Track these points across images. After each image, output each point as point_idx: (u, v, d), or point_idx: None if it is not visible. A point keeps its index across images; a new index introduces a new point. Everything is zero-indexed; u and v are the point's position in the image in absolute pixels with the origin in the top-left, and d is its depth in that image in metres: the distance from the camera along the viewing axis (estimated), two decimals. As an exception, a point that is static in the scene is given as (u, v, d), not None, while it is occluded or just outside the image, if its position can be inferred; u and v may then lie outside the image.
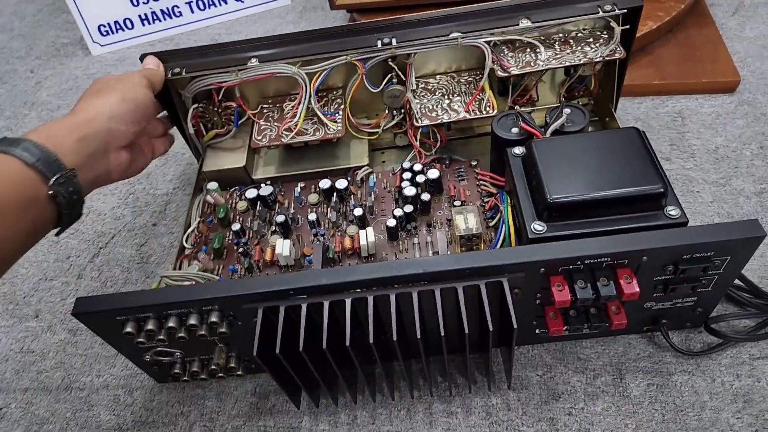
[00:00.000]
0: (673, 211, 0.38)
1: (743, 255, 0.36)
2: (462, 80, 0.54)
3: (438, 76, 0.55)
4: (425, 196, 0.48)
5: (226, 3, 0.89)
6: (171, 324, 0.37)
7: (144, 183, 0.64)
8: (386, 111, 0.56)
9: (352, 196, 0.52)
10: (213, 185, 0.53)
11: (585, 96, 0.56)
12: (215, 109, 0.55)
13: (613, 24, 0.49)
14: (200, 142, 0.56)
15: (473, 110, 0.51)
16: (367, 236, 0.46)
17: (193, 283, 0.43)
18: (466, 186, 0.51)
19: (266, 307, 0.36)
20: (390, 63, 0.52)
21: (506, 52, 0.51)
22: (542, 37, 0.51)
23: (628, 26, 0.49)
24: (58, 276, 0.56)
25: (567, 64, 0.49)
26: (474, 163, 0.53)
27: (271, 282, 0.36)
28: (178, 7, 0.88)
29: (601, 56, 0.49)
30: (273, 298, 0.36)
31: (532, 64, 0.50)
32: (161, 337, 0.38)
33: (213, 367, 0.42)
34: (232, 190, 0.54)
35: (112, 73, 0.84)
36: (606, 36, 0.51)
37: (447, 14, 0.50)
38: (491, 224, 0.48)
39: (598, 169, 0.39)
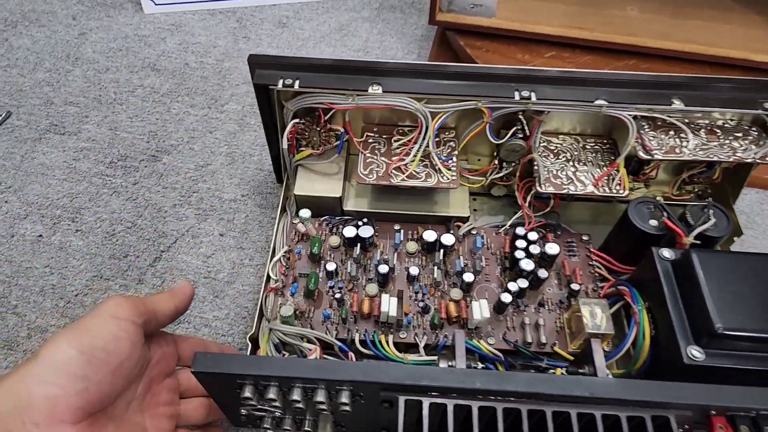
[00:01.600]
0: None
1: None
2: (588, 146, 0.51)
3: (561, 137, 0.52)
4: (542, 273, 0.45)
5: (300, -16, 0.82)
6: (295, 396, 0.33)
7: (209, 182, 0.59)
8: (494, 160, 0.52)
9: (454, 252, 0.48)
10: (306, 213, 0.48)
11: (704, 183, 0.53)
12: (318, 128, 0.50)
13: None
14: (291, 158, 0.51)
15: (602, 187, 0.48)
16: (482, 310, 0.43)
17: (316, 351, 0.39)
18: (578, 264, 0.48)
19: (408, 399, 0.32)
20: (519, 116, 0.48)
21: (647, 129, 0.48)
22: (686, 120, 0.48)
23: None
24: (115, 276, 0.51)
25: (715, 159, 0.46)
26: (585, 238, 0.50)
27: (418, 374, 0.32)
28: (249, -21, 0.81)
29: (753, 158, 0.46)
30: (416, 391, 0.32)
31: (677, 150, 0.46)
32: (278, 404, 0.34)
33: (308, 429, 0.38)
34: (322, 219, 0.50)
35: (166, 40, 0.76)
36: (756, 133, 0.48)
37: (592, 77, 0.46)
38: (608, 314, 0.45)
39: (764, 301, 0.37)
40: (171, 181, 0.59)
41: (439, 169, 0.48)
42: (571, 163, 0.50)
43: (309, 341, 0.42)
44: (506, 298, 0.43)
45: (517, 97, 0.46)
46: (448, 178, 0.48)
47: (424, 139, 0.48)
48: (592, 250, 0.49)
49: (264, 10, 0.83)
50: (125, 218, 0.55)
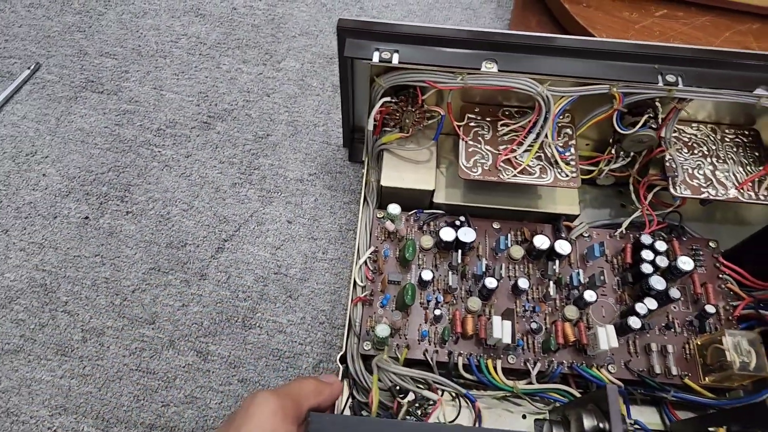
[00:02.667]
0: None
1: None
2: (727, 138, 0.43)
3: (695, 125, 0.44)
4: (674, 293, 0.39)
5: None
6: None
7: (270, 156, 0.52)
8: (610, 148, 0.45)
9: (565, 259, 0.42)
10: (395, 209, 0.41)
11: None
12: (413, 109, 0.42)
13: None
14: (374, 141, 0.44)
15: (748, 191, 0.41)
16: (609, 338, 0.37)
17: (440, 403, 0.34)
18: (705, 276, 0.42)
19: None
20: (657, 102, 0.40)
21: None
22: None
23: None
24: (174, 269, 0.45)
25: None
26: (713, 245, 0.43)
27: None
28: None
29: None
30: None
31: None
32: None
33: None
34: (410, 214, 0.43)
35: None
36: None
37: (747, 59, 0.38)
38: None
39: None
40: (228, 155, 0.52)
41: (557, 162, 0.41)
42: (708, 159, 0.42)
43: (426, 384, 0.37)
44: (635, 323, 0.38)
45: (660, 82, 0.38)
46: (568, 175, 0.41)
47: (543, 128, 0.40)
48: (720, 260, 0.42)
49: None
50: (180, 198, 0.49)
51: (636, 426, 0.37)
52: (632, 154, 0.44)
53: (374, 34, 0.39)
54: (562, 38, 0.39)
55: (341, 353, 0.37)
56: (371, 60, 0.38)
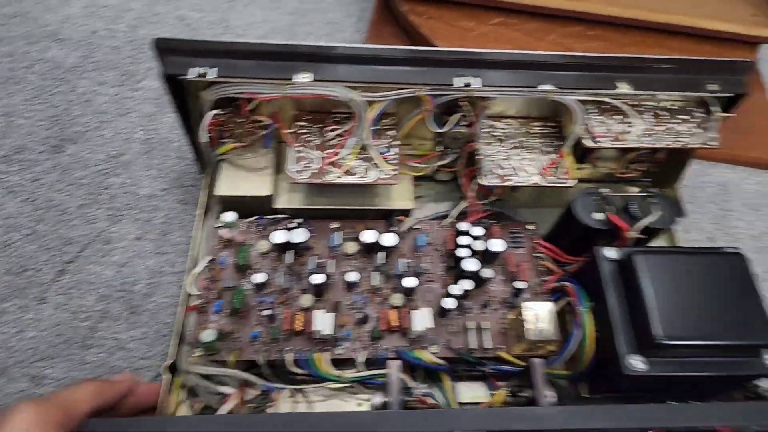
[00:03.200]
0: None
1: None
2: (535, 131, 0.47)
3: (507, 121, 0.48)
4: (487, 273, 0.42)
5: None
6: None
7: (122, 175, 0.53)
8: (437, 146, 0.48)
9: (396, 251, 0.45)
10: (231, 216, 0.43)
11: (650, 162, 0.51)
12: (241, 120, 0.44)
13: (714, 108, 0.44)
14: (212, 153, 0.46)
15: (548, 176, 0.45)
16: (424, 319, 0.40)
17: (234, 396, 0.35)
18: (523, 256, 0.46)
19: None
20: (462, 103, 0.44)
21: (593, 114, 0.45)
22: (632, 102, 0.45)
23: (730, 114, 0.45)
24: (10, 297, 0.45)
25: (660, 146, 0.44)
26: (530, 228, 0.47)
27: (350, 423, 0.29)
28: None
29: (696, 143, 0.44)
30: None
31: (621, 137, 0.44)
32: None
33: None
34: (251, 221, 0.45)
35: (70, 2, 0.67)
36: (700, 116, 0.46)
37: (537, 60, 0.43)
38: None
39: (706, 304, 0.36)
40: (77, 177, 0.52)
41: (380, 163, 0.44)
42: (517, 150, 0.46)
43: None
44: (448, 303, 0.41)
45: (458, 84, 0.42)
46: (388, 174, 0.44)
47: (360, 131, 0.43)
48: (536, 240, 0.46)
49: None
50: (23, 224, 0.48)
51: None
52: (457, 150, 0.48)
53: (194, 51, 0.41)
54: (373, 47, 0.42)
55: (169, 362, 0.38)
56: (187, 76, 0.40)
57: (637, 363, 0.35)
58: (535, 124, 0.48)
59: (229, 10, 0.68)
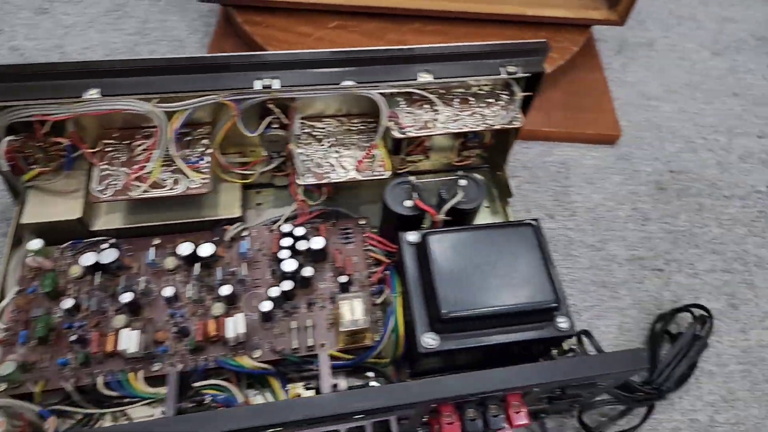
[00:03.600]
0: (563, 323, 0.37)
1: (627, 376, 0.36)
2: (354, 127, 0.48)
3: (326, 119, 0.48)
4: (307, 271, 0.42)
5: (61, -40, 0.71)
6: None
7: (-59, 214, 0.50)
8: (263, 151, 0.48)
9: (220, 260, 0.44)
10: (36, 244, 0.42)
11: (479, 148, 0.53)
12: (39, 144, 0.43)
13: (516, 88, 0.46)
14: (18, 181, 0.44)
15: (365, 170, 0.46)
16: (237, 325, 0.40)
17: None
18: (353, 251, 0.46)
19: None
20: (269, 105, 0.44)
21: (402, 105, 0.46)
22: (441, 90, 0.46)
23: (530, 93, 0.47)
24: None
25: (465, 129, 0.46)
26: (362, 222, 0.48)
27: None
28: (-8, -42, 0.68)
29: (500, 124, 0.46)
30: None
31: (429, 125, 0.45)
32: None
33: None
34: (64, 246, 0.44)
35: None
36: (507, 97, 0.47)
37: (338, 57, 0.43)
38: (378, 301, 0.43)
39: (492, 275, 0.37)
40: None
41: (188, 173, 0.44)
42: (335, 148, 0.47)
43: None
44: (266, 306, 0.41)
45: (258, 86, 0.42)
46: (198, 183, 0.44)
47: (163, 144, 0.42)
48: (367, 234, 0.47)
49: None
50: None
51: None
52: (281, 154, 0.48)
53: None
54: (164, 58, 0.42)
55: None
56: (-33, 104, 0.39)
57: (429, 340, 0.36)
58: (355, 120, 0.49)
59: (65, 36, 0.66)
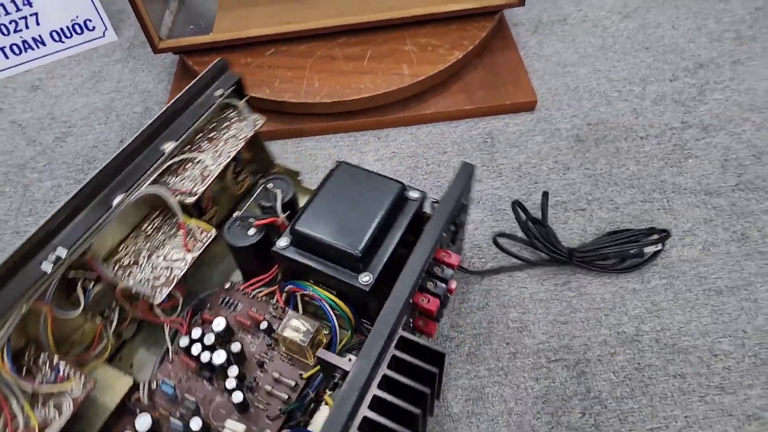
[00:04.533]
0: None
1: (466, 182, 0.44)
2: (150, 230, 0.47)
3: (126, 243, 0.46)
4: (235, 347, 0.42)
5: (44, 44, 0.84)
6: None
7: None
8: (96, 319, 0.45)
9: (161, 418, 0.41)
10: None
11: (247, 165, 0.54)
12: None
13: (235, 102, 0.50)
14: None
15: (194, 247, 0.45)
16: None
17: None
18: (247, 306, 0.46)
19: None
20: (72, 274, 0.41)
21: (173, 180, 0.46)
22: (190, 147, 0.47)
23: (246, 95, 0.51)
24: None
25: (233, 153, 0.47)
26: (228, 285, 0.47)
27: None
28: (-11, 53, 0.81)
29: (251, 132, 0.49)
30: None
31: (205, 174, 0.46)
32: None
33: None
34: None
35: None
36: (234, 113, 0.50)
37: (97, 181, 0.41)
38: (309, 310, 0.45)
39: (340, 215, 0.42)
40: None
41: (62, 396, 0.38)
42: (154, 256, 0.45)
43: None
44: (237, 397, 0.40)
45: (49, 269, 0.38)
46: (78, 393, 0.38)
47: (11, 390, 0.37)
48: (241, 288, 0.47)
49: (16, 78, 0.83)
50: None
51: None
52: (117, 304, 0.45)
53: None
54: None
55: None
56: None
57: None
58: (146, 225, 0.47)
59: (55, 105, 0.78)
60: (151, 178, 0.44)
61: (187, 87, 0.47)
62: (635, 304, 0.53)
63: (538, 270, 0.56)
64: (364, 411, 0.33)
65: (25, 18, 0.82)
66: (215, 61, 0.50)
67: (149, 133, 0.44)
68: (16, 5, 0.81)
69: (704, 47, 0.76)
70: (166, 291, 0.42)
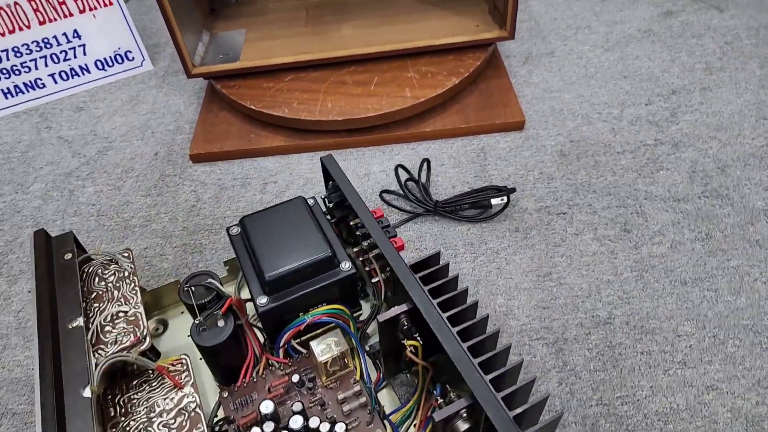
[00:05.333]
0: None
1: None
2: (132, 395, 0.45)
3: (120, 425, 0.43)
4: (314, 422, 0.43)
5: (89, 72, 0.95)
6: None
7: (17, 252, 0.69)
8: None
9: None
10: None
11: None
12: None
13: (93, 255, 0.52)
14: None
15: (183, 379, 0.45)
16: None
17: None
18: (266, 386, 0.46)
19: None
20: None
21: (108, 342, 0.45)
22: (93, 311, 0.48)
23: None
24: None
25: (137, 288, 0.49)
26: (225, 394, 0.46)
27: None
28: (41, 79, 0.92)
29: (128, 264, 0.51)
30: None
31: (131, 318, 0.47)
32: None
33: None
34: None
35: (-25, 147, 0.86)
36: (94, 262, 0.52)
37: (53, 389, 0.40)
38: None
39: (285, 241, 0.48)
40: (-18, 261, 0.68)
41: None
42: (160, 416, 0.43)
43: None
44: None
45: None
46: None
47: None
48: (237, 388, 0.46)
49: (63, 101, 0.94)
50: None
51: None
52: None
53: None
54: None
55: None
56: None
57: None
58: (120, 397, 0.44)
59: (97, 123, 0.88)
60: (93, 356, 0.43)
61: (36, 267, 0.49)
62: (608, 293, 0.60)
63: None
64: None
65: (74, 48, 0.93)
66: (35, 234, 0.51)
67: (46, 319, 0.44)
68: (67, 37, 0.92)
69: (677, 76, 0.85)
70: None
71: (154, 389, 0.45)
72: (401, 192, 0.70)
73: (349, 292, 0.50)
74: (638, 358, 0.55)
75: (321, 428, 0.43)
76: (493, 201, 0.66)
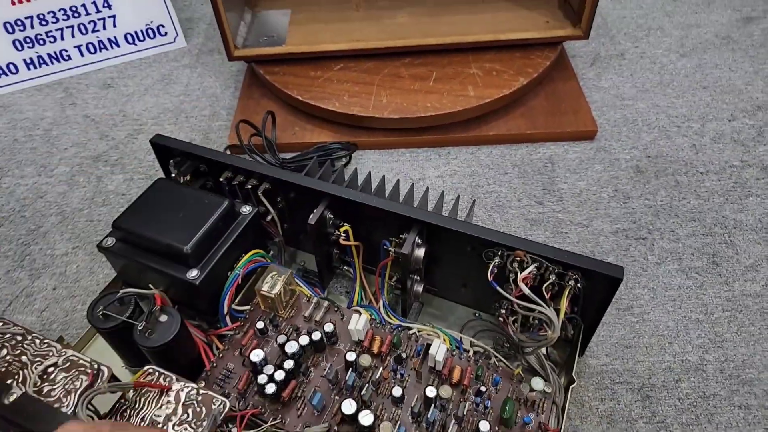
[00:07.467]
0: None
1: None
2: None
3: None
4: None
5: (118, 46, 0.88)
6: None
7: (40, 243, 0.63)
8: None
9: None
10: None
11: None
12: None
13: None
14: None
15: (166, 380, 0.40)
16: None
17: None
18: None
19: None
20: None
21: (55, 392, 0.39)
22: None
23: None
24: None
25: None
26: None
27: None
28: (66, 50, 0.85)
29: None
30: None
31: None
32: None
33: None
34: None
35: (-6, 121, 0.79)
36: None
37: None
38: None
39: (181, 214, 0.47)
40: (3, 251, 0.62)
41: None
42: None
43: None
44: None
45: None
46: None
47: None
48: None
49: (89, 75, 0.87)
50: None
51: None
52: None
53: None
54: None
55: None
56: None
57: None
58: None
59: (126, 102, 0.81)
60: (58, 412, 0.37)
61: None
62: (698, 333, 0.54)
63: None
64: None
65: (104, 19, 0.86)
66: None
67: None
68: (96, 7, 0.85)
69: (761, 90, 0.77)
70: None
71: (142, 407, 0.39)
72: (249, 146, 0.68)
73: (258, 232, 0.52)
74: (735, 413, 0.49)
75: (313, 337, 0.44)
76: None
